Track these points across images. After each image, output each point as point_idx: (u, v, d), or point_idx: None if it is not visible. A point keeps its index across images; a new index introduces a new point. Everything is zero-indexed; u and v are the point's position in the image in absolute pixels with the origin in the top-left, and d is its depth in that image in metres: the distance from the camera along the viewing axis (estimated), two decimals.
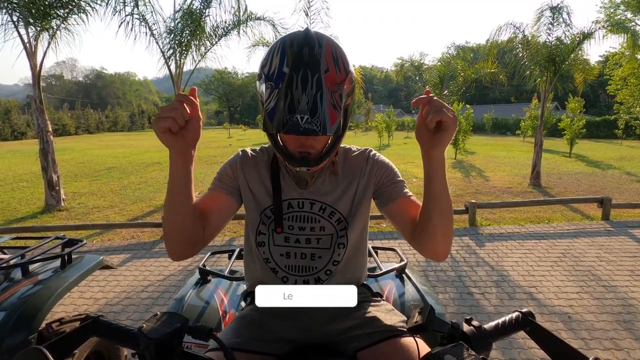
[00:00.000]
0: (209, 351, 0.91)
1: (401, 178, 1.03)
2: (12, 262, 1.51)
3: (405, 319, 1.01)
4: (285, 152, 0.88)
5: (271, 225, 1.00)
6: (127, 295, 3.17)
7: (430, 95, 0.81)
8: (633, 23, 14.68)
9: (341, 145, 1.03)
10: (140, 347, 0.66)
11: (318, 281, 0.99)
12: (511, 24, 7.82)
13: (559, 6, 7.33)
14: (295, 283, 0.99)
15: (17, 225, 5.46)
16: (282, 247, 1.00)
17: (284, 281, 1.00)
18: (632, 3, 15.93)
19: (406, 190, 1.00)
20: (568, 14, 7.29)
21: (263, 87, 0.83)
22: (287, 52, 0.80)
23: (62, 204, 6.43)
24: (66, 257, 1.64)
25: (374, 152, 1.06)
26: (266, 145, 1.07)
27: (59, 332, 1.49)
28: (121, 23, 6.33)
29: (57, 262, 1.64)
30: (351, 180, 1.02)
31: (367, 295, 1.09)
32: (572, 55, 7.49)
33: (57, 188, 6.39)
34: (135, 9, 6.29)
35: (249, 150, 1.07)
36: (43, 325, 1.44)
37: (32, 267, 1.58)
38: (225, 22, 6.96)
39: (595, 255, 3.92)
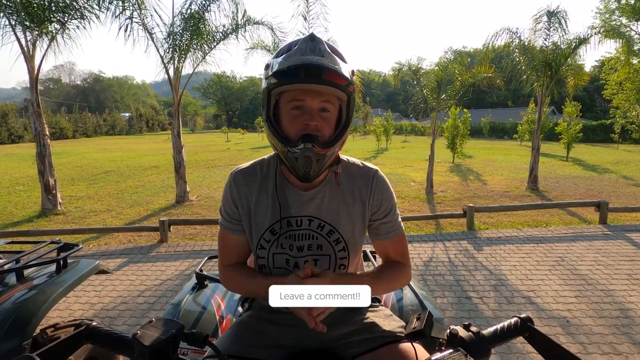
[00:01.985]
0: (206, 358, 0.91)
1: (397, 210, 1.04)
2: (6, 266, 1.49)
3: (404, 324, 0.99)
4: (285, 135, 0.87)
5: (271, 249, 0.99)
6: (124, 300, 3.14)
7: None
8: (628, 29, 14.84)
9: (344, 157, 1.03)
10: (135, 354, 0.66)
11: None
12: (507, 29, 7.88)
13: (556, 12, 7.40)
14: None
15: (13, 229, 5.42)
16: (284, 269, 1.00)
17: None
18: (627, 9, 16.13)
19: (399, 226, 1.03)
20: (565, 19, 7.36)
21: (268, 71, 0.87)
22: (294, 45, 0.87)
23: (59, 208, 6.40)
24: (61, 262, 1.63)
25: (379, 174, 1.02)
26: (259, 159, 1.05)
27: (54, 338, 1.47)
28: (120, 27, 6.34)
29: (53, 267, 1.62)
30: (353, 201, 1.00)
31: None
32: (568, 59, 7.55)
33: (54, 192, 6.36)
34: (135, 13, 6.30)
35: (239, 172, 1.02)
36: (37, 331, 1.42)
37: (26, 271, 1.57)
38: (224, 27, 6.98)
39: (593, 259, 3.92)
